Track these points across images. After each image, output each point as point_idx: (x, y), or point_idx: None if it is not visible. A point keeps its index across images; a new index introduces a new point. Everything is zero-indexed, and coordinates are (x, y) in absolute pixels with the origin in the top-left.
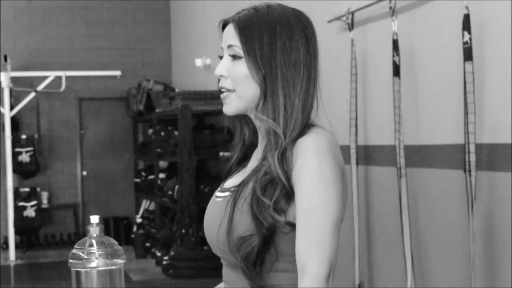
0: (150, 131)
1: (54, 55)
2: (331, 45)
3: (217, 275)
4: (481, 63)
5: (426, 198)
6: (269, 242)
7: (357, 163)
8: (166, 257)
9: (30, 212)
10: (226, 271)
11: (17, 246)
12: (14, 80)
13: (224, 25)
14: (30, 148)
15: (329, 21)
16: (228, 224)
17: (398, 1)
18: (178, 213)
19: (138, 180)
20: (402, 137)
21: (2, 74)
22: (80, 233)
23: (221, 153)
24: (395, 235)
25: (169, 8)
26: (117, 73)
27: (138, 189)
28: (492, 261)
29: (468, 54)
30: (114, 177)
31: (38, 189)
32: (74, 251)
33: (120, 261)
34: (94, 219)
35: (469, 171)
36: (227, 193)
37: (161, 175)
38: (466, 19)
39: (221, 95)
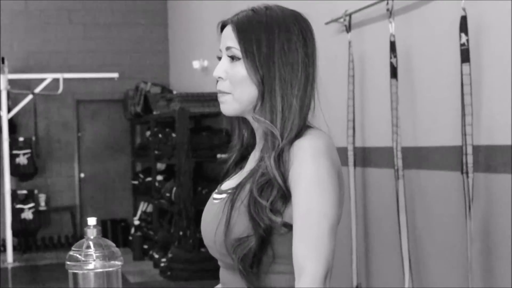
0: (148, 133)
1: (51, 58)
2: (328, 47)
3: (215, 277)
4: (478, 65)
5: (424, 200)
6: (266, 244)
7: (355, 165)
8: (163, 259)
9: (27, 215)
10: (223, 273)
11: (14, 249)
12: (11, 82)
13: (222, 27)
14: (28, 151)
15: (327, 23)
16: (226, 226)
17: (395, 1)
18: (176, 215)
19: (136, 182)
20: (400, 138)
21: (0, 76)
22: (78, 235)
23: (218, 155)
24: (393, 237)
25: (167, 10)
26: (115, 75)
27: (136, 191)
28: (490, 263)
29: (465, 56)
30: (111, 179)
31: (36, 191)
32: (71, 253)
33: (118, 263)
34: (92, 221)
35: (467, 173)
36: (224, 195)
37: (159, 177)
38: (463, 21)
39: (219, 98)
